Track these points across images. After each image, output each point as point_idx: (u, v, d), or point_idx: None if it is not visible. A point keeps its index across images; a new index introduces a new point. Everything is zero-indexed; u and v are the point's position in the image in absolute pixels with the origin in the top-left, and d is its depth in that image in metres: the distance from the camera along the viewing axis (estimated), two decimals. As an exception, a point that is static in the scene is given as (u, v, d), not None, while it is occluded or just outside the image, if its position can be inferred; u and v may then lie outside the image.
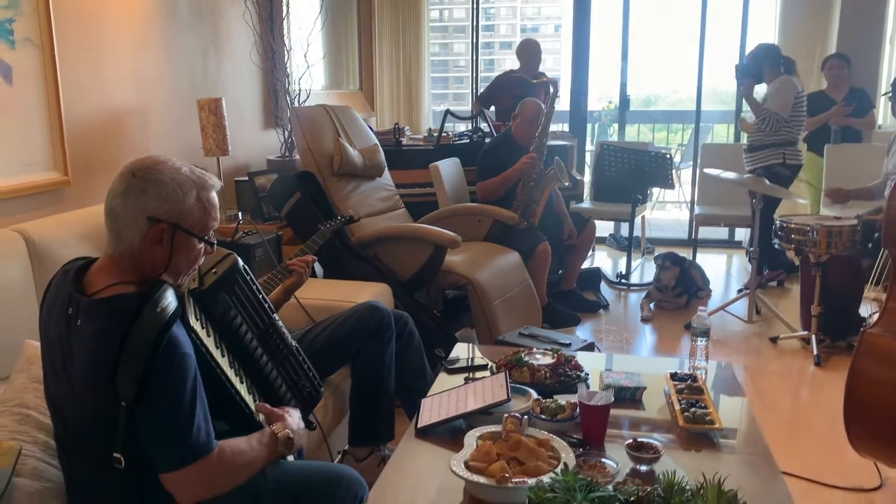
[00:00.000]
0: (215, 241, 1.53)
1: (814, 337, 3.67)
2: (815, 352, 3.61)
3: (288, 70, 4.35)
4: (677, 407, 1.88)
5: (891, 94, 3.84)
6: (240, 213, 3.61)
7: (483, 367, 2.24)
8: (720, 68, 6.17)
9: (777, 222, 3.74)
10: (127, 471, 1.35)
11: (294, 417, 1.62)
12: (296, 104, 4.31)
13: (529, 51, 5.22)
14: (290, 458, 1.68)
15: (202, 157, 3.40)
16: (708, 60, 6.03)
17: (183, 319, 1.41)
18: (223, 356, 1.51)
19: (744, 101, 4.79)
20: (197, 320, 1.46)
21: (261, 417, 1.58)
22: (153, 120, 3.21)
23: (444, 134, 4.78)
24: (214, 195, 1.50)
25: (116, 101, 2.98)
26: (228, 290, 1.55)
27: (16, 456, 1.47)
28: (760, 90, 4.65)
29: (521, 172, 4.01)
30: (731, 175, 4.07)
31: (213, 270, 1.54)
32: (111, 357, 1.31)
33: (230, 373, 1.52)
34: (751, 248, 4.14)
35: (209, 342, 1.47)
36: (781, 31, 5.64)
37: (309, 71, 4.50)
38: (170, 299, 1.38)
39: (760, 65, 4.51)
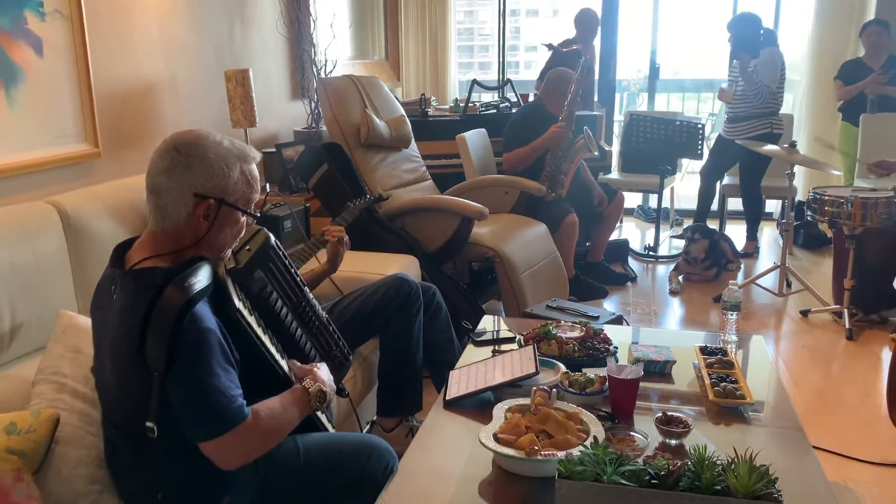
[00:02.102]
0: (258, 214, 1.54)
1: (846, 311, 3.61)
2: (847, 325, 3.56)
3: (314, 40, 4.32)
4: (707, 381, 1.86)
5: None
6: (267, 185, 3.62)
7: (510, 340, 2.24)
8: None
9: (811, 194, 3.67)
10: (164, 441, 1.37)
11: (323, 371, 1.64)
12: (322, 75, 4.29)
13: (587, 20, 5.13)
14: (323, 417, 1.70)
15: (230, 128, 3.41)
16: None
17: (221, 303, 1.42)
18: (264, 332, 1.53)
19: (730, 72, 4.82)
20: (239, 300, 1.47)
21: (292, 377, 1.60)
22: (181, 92, 3.22)
23: (470, 104, 4.73)
24: (255, 167, 1.51)
25: (145, 73, 2.98)
26: (264, 266, 1.56)
27: (55, 424, 1.50)
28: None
29: (550, 142, 3.96)
30: (766, 146, 3.99)
31: (247, 248, 1.54)
32: (137, 328, 1.32)
33: (273, 349, 1.54)
34: (782, 220, 4.07)
35: (252, 320, 1.49)
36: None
37: (335, 41, 4.47)
38: (201, 277, 1.38)
39: (752, 38, 4.50)
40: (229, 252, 1.53)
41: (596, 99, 5.23)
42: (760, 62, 4.51)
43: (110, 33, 2.75)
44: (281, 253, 1.62)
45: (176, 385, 1.34)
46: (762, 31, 4.56)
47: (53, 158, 2.46)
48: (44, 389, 1.62)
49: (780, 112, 4.71)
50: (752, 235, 4.99)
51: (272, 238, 1.58)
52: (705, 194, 5.04)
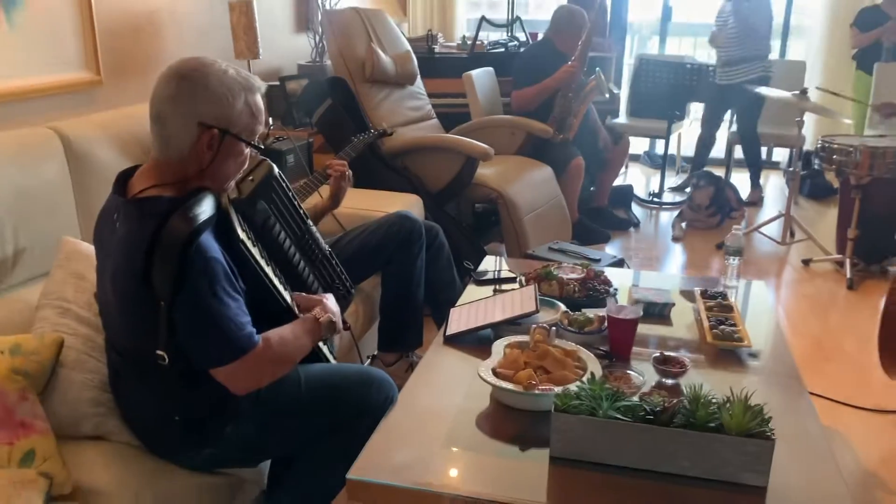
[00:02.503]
0: (262, 146, 1.52)
1: (848, 261, 3.61)
2: (848, 275, 3.57)
3: (320, -29, 4.21)
4: (706, 323, 1.87)
5: None
6: (270, 119, 3.58)
7: (511, 280, 2.24)
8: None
9: (819, 142, 3.63)
10: (173, 368, 1.38)
11: (331, 301, 1.65)
12: (327, 6, 4.19)
13: None
14: (325, 348, 1.72)
15: (233, 59, 3.35)
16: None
17: (225, 234, 1.42)
18: (268, 265, 1.53)
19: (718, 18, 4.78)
20: (243, 231, 1.46)
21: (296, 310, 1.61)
22: (184, 20, 3.16)
23: (478, 42, 4.64)
24: (260, 98, 1.48)
25: (147, 3, 2.92)
26: (267, 197, 1.56)
27: (58, 347, 1.52)
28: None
29: (561, 82, 3.89)
30: (774, 91, 3.93)
31: (250, 178, 1.53)
32: (141, 257, 1.32)
33: (276, 280, 1.54)
34: (789, 169, 4.04)
35: (255, 251, 1.49)
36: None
37: (341, -27, 4.36)
38: (205, 207, 1.37)
39: None
40: (232, 183, 1.52)
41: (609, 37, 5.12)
42: (751, 5, 4.51)
43: (111, -43, 2.68)
44: (284, 184, 1.61)
45: (183, 313, 1.34)
46: None
47: (55, 85, 2.43)
48: (48, 314, 1.63)
49: (793, 59, 4.63)
50: (756, 183, 4.97)
51: (275, 169, 1.57)
52: (706, 142, 5.01)
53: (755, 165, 4.96)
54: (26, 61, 2.31)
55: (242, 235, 1.45)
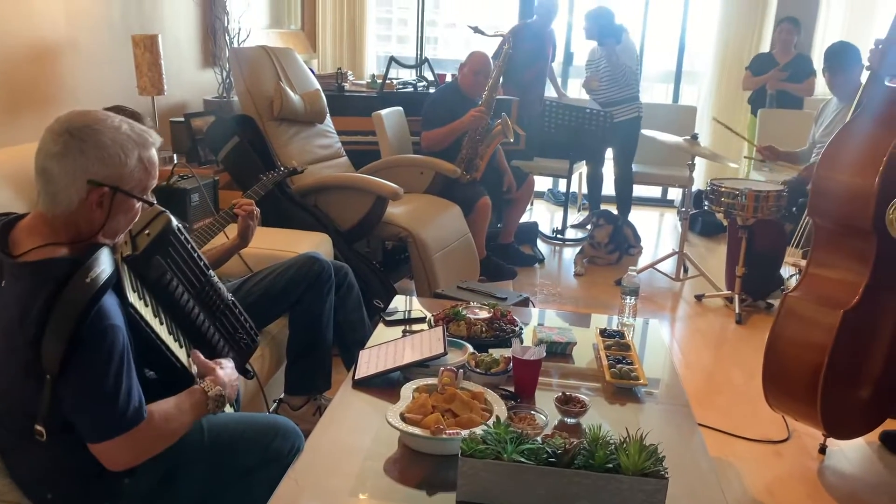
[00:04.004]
0: (154, 200, 1.48)
1: (736, 296, 3.84)
2: (737, 310, 3.79)
3: (227, 7, 4.19)
4: (605, 362, 1.96)
5: (825, 68, 3.95)
6: (175, 156, 3.51)
7: (421, 320, 2.28)
8: (664, 26, 6.22)
9: (708, 185, 3.87)
10: (51, 441, 1.32)
11: (227, 369, 1.59)
12: (235, 43, 4.17)
13: (546, 6, 5.18)
14: (229, 408, 1.69)
15: (136, 95, 3.28)
16: (652, 17, 6.08)
17: (120, 293, 1.37)
18: (161, 324, 1.48)
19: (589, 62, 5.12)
20: (134, 291, 1.41)
21: (194, 369, 1.56)
22: (85, 56, 3.07)
23: (387, 81, 4.72)
24: (154, 152, 1.43)
25: (45, 36, 2.83)
26: (163, 252, 1.49)
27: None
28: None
29: (469, 125, 4.01)
30: (668, 137, 4.16)
31: (147, 232, 1.47)
32: (35, 324, 1.26)
33: (169, 340, 1.49)
34: (682, 209, 4.27)
35: (147, 313, 1.44)
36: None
37: (249, 9, 4.35)
38: (104, 265, 1.32)
39: (612, 26, 4.85)
40: (122, 237, 1.46)
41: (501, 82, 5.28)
42: (619, 47, 4.85)
43: (6, -10, 2.59)
44: (183, 237, 1.55)
45: (72, 386, 1.28)
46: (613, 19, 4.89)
47: (-59, 120, 2.32)
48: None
49: (686, 105, 4.93)
50: (625, 219, 5.19)
51: (174, 221, 1.51)
52: (594, 181, 5.27)
53: (626, 204, 5.19)
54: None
55: (133, 298, 1.40)
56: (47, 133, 1.36)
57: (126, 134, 1.38)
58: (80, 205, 1.35)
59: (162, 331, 1.48)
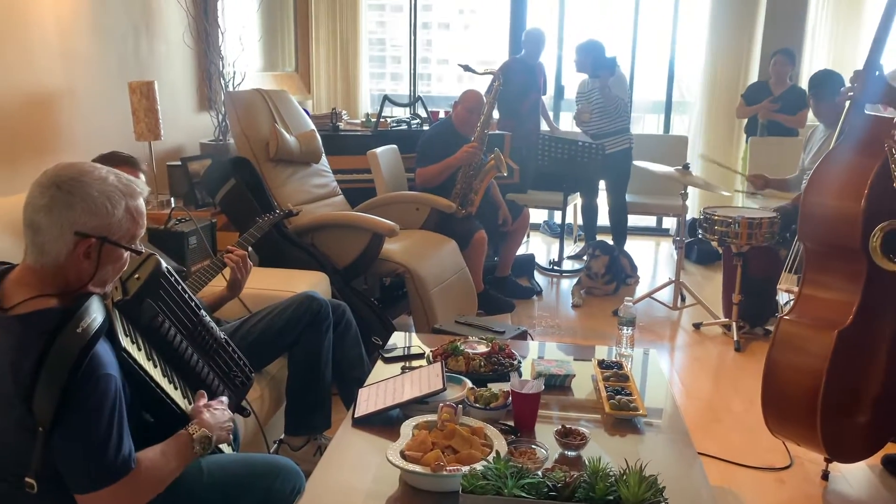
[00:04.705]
0: (142, 249, 1.49)
1: (734, 324, 3.85)
2: (735, 338, 3.80)
3: (222, 52, 4.27)
4: (604, 394, 1.96)
5: (810, 94, 4.02)
6: (172, 200, 3.55)
7: (420, 356, 2.29)
8: (653, 58, 6.33)
9: (702, 214, 3.90)
10: (42, 492, 1.31)
11: (216, 412, 1.59)
12: (230, 87, 4.24)
13: (530, 39, 5.32)
14: (227, 448, 1.69)
15: (133, 141, 3.33)
16: (640, 49, 6.18)
17: (112, 338, 1.38)
18: (155, 367, 1.50)
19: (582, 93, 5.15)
20: (126, 335, 1.43)
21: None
22: (82, 103, 3.12)
23: (381, 119, 4.78)
24: (142, 202, 1.45)
25: (43, 84, 2.88)
26: (153, 295, 1.51)
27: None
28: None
29: (462, 160, 4.06)
30: (660, 167, 4.21)
31: (136, 276, 1.49)
32: (28, 378, 1.26)
33: (164, 382, 1.50)
34: (677, 238, 4.30)
35: (140, 356, 1.45)
36: (712, 24, 5.80)
37: (244, 53, 4.43)
38: (94, 314, 1.33)
39: (603, 59, 4.92)
40: (110, 287, 1.47)
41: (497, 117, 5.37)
42: (614, 79, 4.93)
43: (4, 42, 2.64)
44: (173, 278, 1.57)
45: (62, 435, 1.28)
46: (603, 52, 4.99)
47: (-59, 171, 2.35)
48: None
49: (676, 134, 5.00)
50: (621, 249, 5.22)
51: (163, 265, 1.53)
52: (588, 211, 5.32)
53: (621, 234, 5.23)
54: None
55: (125, 342, 1.41)
56: (35, 186, 1.37)
57: (113, 185, 1.39)
58: (68, 256, 1.36)
59: (156, 373, 1.49)
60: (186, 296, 1.61)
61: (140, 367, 1.44)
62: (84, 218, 1.35)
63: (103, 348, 1.33)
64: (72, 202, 1.35)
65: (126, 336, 1.43)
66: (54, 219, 1.34)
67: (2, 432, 1.34)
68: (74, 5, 3.05)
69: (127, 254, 1.45)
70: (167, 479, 1.44)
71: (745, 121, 5.55)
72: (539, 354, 2.39)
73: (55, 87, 2.95)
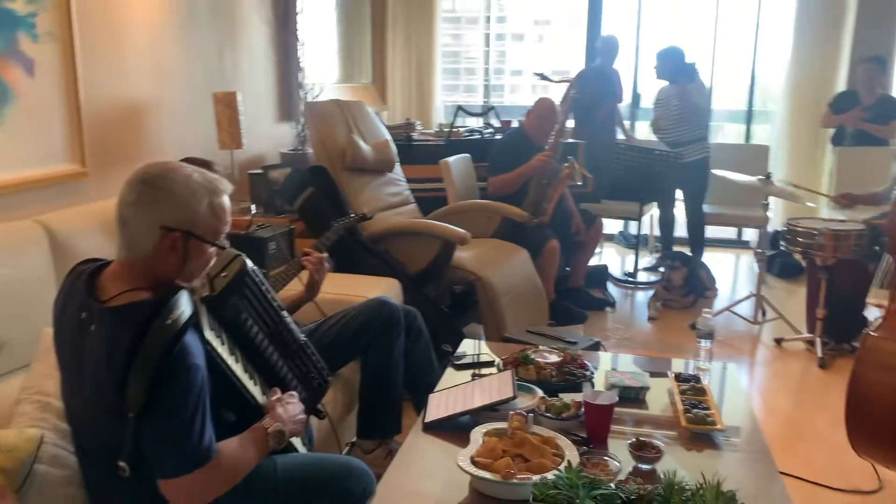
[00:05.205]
0: (227, 245, 1.55)
1: (818, 339, 3.69)
2: (819, 354, 3.64)
3: (301, 64, 4.39)
4: (680, 407, 1.91)
5: None
6: (253, 206, 3.66)
7: (490, 364, 2.28)
8: (733, 66, 6.16)
9: (785, 225, 3.77)
10: (135, 477, 1.37)
11: (288, 406, 1.63)
12: (309, 98, 4.35)
13: (604, 46, 5.37)
14: (301, 447, 1.72)
15: (217, 150, 3.45)
16: (720, 57, 6.03)
17: (198, 330, 1.44)
18: (237, 362, 1.55)
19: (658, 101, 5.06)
20: (211, 330, 1.48)
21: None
22: (170, 113, 3.26)
23: (454, 129, 4.81)
24: (226, 199, 1.51)
25: (134, 95, 3.02)
26: (239, 293, 1.57)
27: (38, 443, 1.52)
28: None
29: (536, 170, 4.04)
30: (740, 177, 4.09)
31: (223, 274, 1.55)
32: (121, 367, 1.33)
33: (244, 378, 1.56)
34: (758, 250, 4.16)
35: (223, 351, 1.51)
36: (797, 31, 5.60)
37: (322, 65, 4.54)
38: (184, 307, 1.39)
39: (683, 66, 4.82)
40: (198, 282, 1.53)
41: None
42: (694, 86, 4.82)
43: (101, 55, 2.79)
44: (258, 278, 1.62)
45: (151, 423, 1.34)
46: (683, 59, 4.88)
47: (41, 178, 2.49)
48: (27, 409, 1.63)
49: (758, 143, 4.84)
50: (699, 261, 5.06)
51: (249, 263, 1.59)
52: (665, 222, 5.18)
53: (699, 246, 5.07)
54: (14, 156, 2.38)
55: (210, 336, 1.47)
56: (125, 184, 1.46)
57: (197, 181, 1.46)
58: (155, 250, 1.43)
59: (237, 368, 1.54)
60: (270, 296, 1.67)
61: (222, 360, 1.49)
62: (169, 212, 1.42)
63: (192, 339, 1.39)
64: (157, 196, 1.42)
65: (211, 331, 1.49)
66: (141, 213, 1.42)
67: (97, 418, 1.41)
68: (165, 21, 3.19)
69: (213, 250, 1.51)
70: (244, 471, 1.48)
71: (832, 131, 5.32)
72: (612, 366, 2.34)
73: (145, 97, 3.09)
